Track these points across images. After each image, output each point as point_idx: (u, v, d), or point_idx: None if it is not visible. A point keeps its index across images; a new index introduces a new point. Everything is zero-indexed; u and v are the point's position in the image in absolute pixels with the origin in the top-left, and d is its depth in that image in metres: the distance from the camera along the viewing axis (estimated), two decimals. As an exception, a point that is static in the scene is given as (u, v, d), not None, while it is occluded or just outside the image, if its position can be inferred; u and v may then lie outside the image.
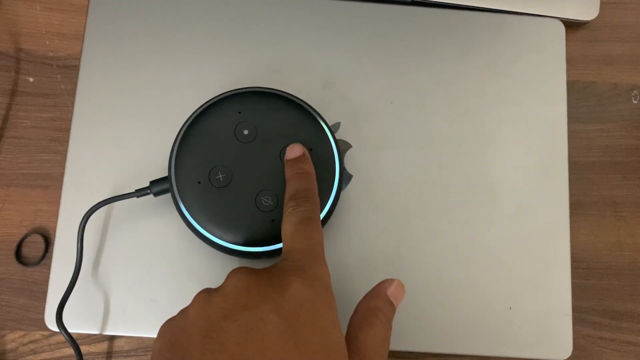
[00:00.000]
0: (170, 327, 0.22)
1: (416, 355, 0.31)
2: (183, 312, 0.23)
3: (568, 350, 0.31)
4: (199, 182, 0.28)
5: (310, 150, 0.29)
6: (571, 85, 0.35)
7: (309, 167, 0.28)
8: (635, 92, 0.36)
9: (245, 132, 0.29)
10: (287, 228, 0.25)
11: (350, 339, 0.23)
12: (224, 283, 0.23)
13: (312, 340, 0.21)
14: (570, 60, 0.35)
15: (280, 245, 0.28)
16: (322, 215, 0.29)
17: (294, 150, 0.28)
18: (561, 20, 0.35)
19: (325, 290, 0.22)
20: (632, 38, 0.37)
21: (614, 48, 0.37)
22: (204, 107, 0.30)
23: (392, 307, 0.25)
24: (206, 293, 0.22)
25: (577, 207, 0.34)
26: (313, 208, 0.26)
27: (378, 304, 0.24)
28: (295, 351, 0.20)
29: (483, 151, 0.33)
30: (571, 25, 0.36)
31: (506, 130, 0.33)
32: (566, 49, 0.35)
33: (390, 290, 0.25)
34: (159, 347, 0.22)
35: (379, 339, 0.23)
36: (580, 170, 0.35)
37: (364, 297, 0.25)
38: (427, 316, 0.31)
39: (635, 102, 0.36)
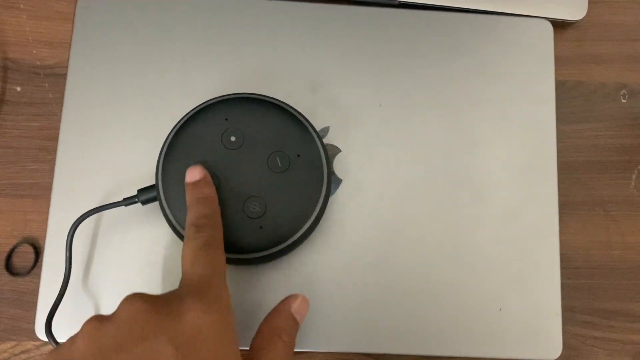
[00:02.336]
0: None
1: (407, 357, 0.31)
2: (71, 340, 0.21)
3: (558, 349, 0.31)
4: (187, 190, 0.28)
5: (298, 155, 0.29)
6: (560, 85, 0.35)
7: (210, 190, 0.27)
8: (623, 91, 0.36)
9: (232, 138, 0.29)
10: (186, 255, 0.24)
11: None
12: (117, 310, 0.21)
13: None
14: (558, 60, 0.35)
15: (268, 252, 0.28)
16: (311, 220, 0.29)
17: (194, 174, 0.27)
18: (549, 20, 0.35)
19: (223, 315, 0.22)
20: (620, 37, 0.37)
21: (602, 47, 0.37)
22: (190, 114, 0.30)
23: (295, 325, 0.24)
24: (97, 321, 0.20)
25: (567, 207, 0.34)
26: (214, 233, 0.25)
27: (281, 323, 0.24)
28: None
29: (472, 152, 0.33)
30: (559, 25, 0.36)
31: (495, 131, 0.33)
32: (554, 49, 0.35)
33: (295, 307, 0.25)
34: None
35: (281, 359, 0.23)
36: (570, 170, 0.35)
37: (267, 317, 0.25)
38: (417, 318, 0.31)
39: (624, 101, 0.36)
